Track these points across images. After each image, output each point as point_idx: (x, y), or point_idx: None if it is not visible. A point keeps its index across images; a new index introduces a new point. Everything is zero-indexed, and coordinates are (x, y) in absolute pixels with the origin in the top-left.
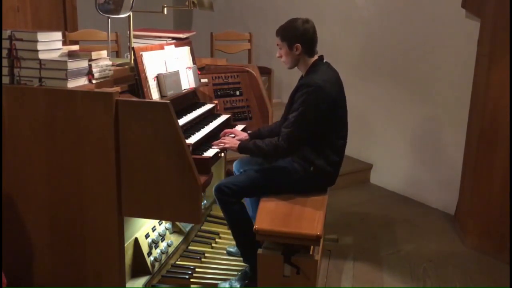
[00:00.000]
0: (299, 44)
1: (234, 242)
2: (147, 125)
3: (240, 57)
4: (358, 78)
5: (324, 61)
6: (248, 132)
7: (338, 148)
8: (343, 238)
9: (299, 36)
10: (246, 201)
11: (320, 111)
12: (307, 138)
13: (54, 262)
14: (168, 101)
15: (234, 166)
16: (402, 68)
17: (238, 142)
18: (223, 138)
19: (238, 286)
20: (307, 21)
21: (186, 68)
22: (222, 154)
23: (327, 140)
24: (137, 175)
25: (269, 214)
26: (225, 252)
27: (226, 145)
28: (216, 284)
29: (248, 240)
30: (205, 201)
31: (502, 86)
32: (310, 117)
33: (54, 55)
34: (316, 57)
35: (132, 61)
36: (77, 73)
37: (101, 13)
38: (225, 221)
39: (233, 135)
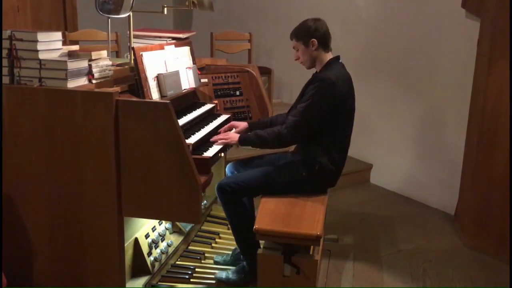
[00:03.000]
0: (314, 39)
1: (231, 245)
2: (147, 125)
3: (240, 57)
4: (358, 78)
5: (340, 61)
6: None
7: (342, 147)
8: (343, 238)
9: (312, 32)
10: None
11: (329, 106)
12: (310, 130)
13: (54, 262)
14: (168, 101)
15: (227, 169)
16: (402, 68)
17: (238, 135)
18: (222, 134)
19: (235, 278)
20: (318, 19)
21: (186, 68)
22: (222, 154)
23: (332, 138)
24: (137, 175)
25: (269, 214)
26: (225, 252)
27: (227, 140)
28: (229, 280)
29: (248, 238)
30: (205, 201)
31: (502, 86)
32: (317, 109)
33: (54, 55)
34: (331, 55)
35: (132, 61)
36: (77, 73)
37: (101, 13)
38: (225, 221)
39: (233, 129)
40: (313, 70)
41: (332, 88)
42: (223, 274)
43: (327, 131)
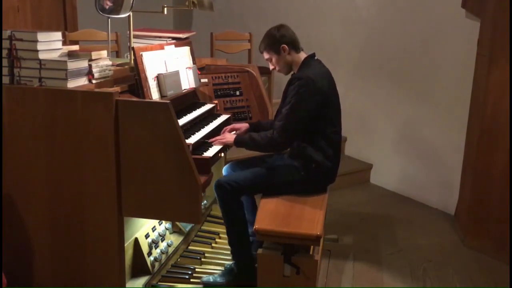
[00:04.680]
0: (284, 45)
1: (227, 247)
2: (147, 125)
3: (240, 57)
4: (358, 78)
5: (316, 58)
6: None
7: (334, 143)
8: (343, 238)
9: (280, 39)
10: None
11: (312, 103)
12: (300, 131)
13: (54, 262)
14: (168, 101)
15: (224, 170)
16: (402, 68)
17: (234, 136)
18: (220, 135)
19: (223, 281)
20: (281, 25)
21: (186, 68)
22: (222, 154)
23: (321, 134)
24: (137, 175)
25: (269, 214)
26: (225, 252)
27: (223, 140)
28: (216, 284)
29: (240, 239)
30: (205, 201)
31: (502, 86)
32: (302, 109)
33: (54, 55)
34: (305, 54)
35: (132, 61)
36: (77, 73)
37: (101, 13)
38: None
39: (233, 132)
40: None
41: (311, 85)
42: (210, 278)
43: (316, 129)
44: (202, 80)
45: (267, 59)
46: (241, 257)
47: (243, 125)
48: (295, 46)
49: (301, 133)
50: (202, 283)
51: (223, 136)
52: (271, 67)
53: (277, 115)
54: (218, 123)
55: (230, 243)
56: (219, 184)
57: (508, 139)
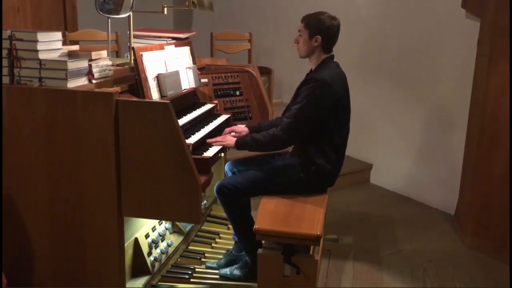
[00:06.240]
0: (319, 37)
1: (230, 245)
2: (147, 125)
3: (240, 57)
4: (358, 78)
5: (334, 60)
6: (248, 126)
7: (338, 147)
8: (343, 238)
9: (323, 29)
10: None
11: (323, 107)
12: (306, 131)
13: (54, 262)
14: (168, 101)
15: (227, 167)
16: (402, 68)
17: (235, 139)
18: (220, 136)
19: (240, 274)
20: (335, 18)
21: (186, 68)
22: (222, 154)
23: (327, 138)
24: (137, 175)
25: (269, 214)
26: (224, 252)
27: (223, 143)
28: (216, 284)
29: (249, 236)
30: (205, 201)
31: (502, 86)
32: (312, 110)
33: (54, 55)
34: (329, 54)
35: (132, 61)
36: (77, 73)
37: (101, 13)
38: (225, 221)
39: (233, 133)
40: (306, 65)
41: (326, 89)
42: (227, 270)
43: (323, 132)
44: (202, 80)
45: (299, 30)
46: (252, 252)
47: (243, 129)
48: (328, 46)
49: (306, 133)
50: (219, 275)
51: (223, 138)
52: (294, 40)
53: (285, 112)
54: (218, 123)
55: (240, 240)
56: (219, 188)
57: (508, 139)
